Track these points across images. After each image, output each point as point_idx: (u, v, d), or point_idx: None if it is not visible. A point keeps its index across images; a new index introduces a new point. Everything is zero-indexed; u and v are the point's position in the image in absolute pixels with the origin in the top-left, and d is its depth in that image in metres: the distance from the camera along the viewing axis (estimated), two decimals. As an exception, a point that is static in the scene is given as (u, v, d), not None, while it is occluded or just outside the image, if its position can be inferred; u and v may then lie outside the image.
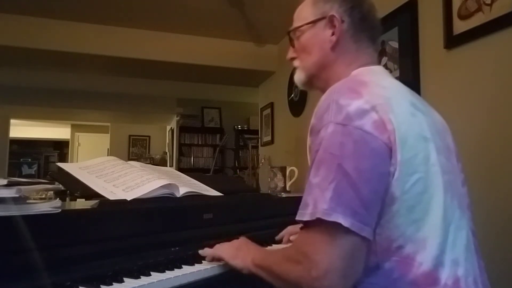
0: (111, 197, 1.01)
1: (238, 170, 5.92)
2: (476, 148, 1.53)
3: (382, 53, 2.11)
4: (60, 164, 1.19)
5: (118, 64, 3.72)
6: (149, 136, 7.89)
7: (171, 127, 7.06)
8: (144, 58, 3.47)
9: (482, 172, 1.50)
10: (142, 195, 1.04)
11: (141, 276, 0.82)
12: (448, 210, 0.75)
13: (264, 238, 1.23)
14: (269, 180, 2.46)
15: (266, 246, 1.18)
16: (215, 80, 4.45)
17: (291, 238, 1.25)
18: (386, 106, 0.74)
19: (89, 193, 1.06)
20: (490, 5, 1.50)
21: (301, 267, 0.70)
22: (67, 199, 1.15)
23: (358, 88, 0.76)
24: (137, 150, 7.73)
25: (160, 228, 1.05)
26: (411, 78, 1.88)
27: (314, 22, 0.92)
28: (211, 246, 1.01)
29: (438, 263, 0.71)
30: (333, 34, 0.90)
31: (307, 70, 0.96)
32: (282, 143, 3.72)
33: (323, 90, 0.92)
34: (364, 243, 0.70)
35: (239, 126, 6.40)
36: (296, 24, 0.97)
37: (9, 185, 0.75)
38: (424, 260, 0.71)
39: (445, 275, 0.71)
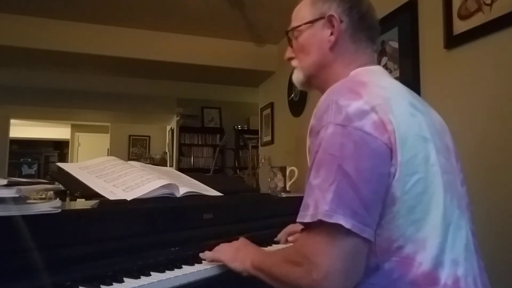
0: (111, 197, 1.01)
1: (238, 170, 5.92)
2: (476, 148, 1.53)
3: (382, 53, 2.11)
4: (60, 164, 1.19)
5: (118, 64, 3.72)
6: (149, 136, 7.89)
7: (171, 127, 7.06)
8: (144, 58, 3.47)
9: (482, 172, 1.50)
10: (142, 195, 1.04)
11: (141, 276, 0.82)
12: (448, 210, 0.75)
13: (264, 238, 1.23)
14: (269, 180, 2.46)
15: (266, 246, 1.18)
16: (215, 80, 4.45)
17: (289, 238, 1.25)
18: (386, 106, 0.74)
19: (89, 193, 1.06)
20: (490, 5, 1.50)
21: (301, 269, 0.70)
22: (67, 199, 1.15)
23: (358, 89, 0.76)
24: (137, 150, 7.74)
25: (160, 228, 1.05)
26: (411, 78, 1.89)
27: (312, 22, 0.92)
28: (211, 247, 1.01)
29: (437, 263, 0.71)
30: (331, 34, 0.89)
31: (306, 70, 0.95)
32: (282, 143, 3.72)
33: (321, 90, 0.92)
34: (365, 244, 0.69)
35: (239, 126, 6.40)
36: (294, 24, 0.96)
37: (9, 185, 0.75)
38: (424, 260, 0.71)
39: (444, 275, 0.71)
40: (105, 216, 0.94)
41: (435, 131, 0.82)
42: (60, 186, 1.12)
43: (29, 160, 9.19)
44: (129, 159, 5.89)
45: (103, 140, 7.92)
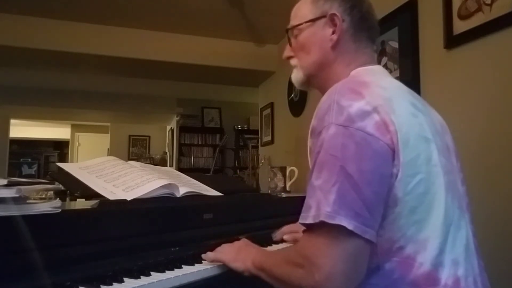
0: (111, 197, 1.01)
1: (238, 170, 5.92)
2: (476, 148, 1.53)
3: (382, 53, 2.11)
4: (60, 164, 1.19)
5: (118, 64, 3.73)
6: (149, 136, 7.89)
7: (171, 127, 7.07)
8: (144, 58, 3.47)
9: (482, 172, 1.50)
10: (142, 195, 1.04)
11: (141, 276, 0.82)
12: (449, 210, 0.75)
13: (264, 238, 1.23)
14: (269, 180, 2.46)
15: (266, 247, 1.18)
16: (215, 80, 4.45)
17: (285, 237, 1.25)
18: (388, 107, 0.73)
19: (89, 193, 1.06)
20: (490, 5, 1.50)
21: (303, 271, 0.70)
22: (67, 199, 1.15)
23: (359, 89, 0.76)
24: (137, 150, 7.74)
25: (160, 228, 1.05)
26: (411, 78, 1.89)
27: (313, 20, 0.91)
28: (211, 247, 1.01)
29: (438, 263, 0.71)
30: (333, 33, 0.89)
31: (306, 70, 0.94)
32: (282, 143, 3.72)
33: (321, 90, 0.92)
34: (367, 246, 0.69)
35: (239, 126, 6.39)
36: (294, 22, 0.95)
37: (9, 185, 0.75)
38: (424, 261, 0.71)
39: (445, 275, 0.71)
40: (105, 216, 0.94)
41: (435, 131, 0.82)
42: (60, 186, 1.12)
43: (29, 160, 9.19)
44: (129, 159, 5.89)
45: (103, 140, 7.92)
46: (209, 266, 0.95)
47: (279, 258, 0.82)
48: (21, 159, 9.07)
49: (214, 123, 6.59)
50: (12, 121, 6.97)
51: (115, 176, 1.13)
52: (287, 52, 0.98)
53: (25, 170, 9.09)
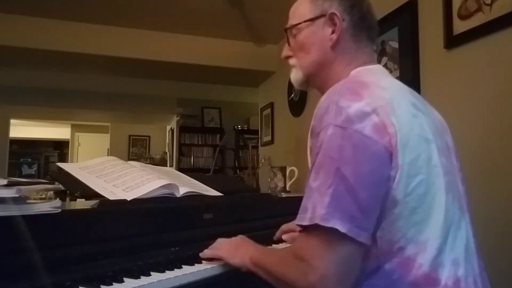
0: (111, 197, 1.01)
1: (238, 170, 5.92)
2: (476, 148, 1.53)
3: (382, 53, 2.11)
4: (60, 164, 1.19)
5: (118, 64, 3.73)
6: (149, 136, 7.89)
7: (171, 127, 7.07)
8: (144, 58, 3.47)
9: (482, 172, 1.50)
10: (142, 195, 1.04)
11: (141, 276, 0.82)
12: (449, 211, 0.75)
13: (264, 238, 1.23)
14: (269, 180, 2.46)
15: (266, 246, 1.18)
16: (215, 80, 4.45)
17: (283, 237, 1.25)
18: (388, 108, 0.73)
19: (89, 193, 1.06)
20: (490, 5, 1.50)
21: (298, 271, 0.71)
22: (67, 199, 1.15)
23: (359, 90, 0.75)
24: (137, 150, 7.73)
25: (160, 228, 1.05)
26: (411, 78, 1.88)
27: (313, 19, 0.90)
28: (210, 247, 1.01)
29: (438, 263, 0.71)
30: (333, 32, 0.88)
31: (305, 69, 0.93)
32: (282, 143, 3.72)
33: (321, 90, 0.92)
34: (361, 248, 0.70)
35: (239, 126, 6.39)
36: (292, 21, 0.94)
37: (9, 185, 0.75)
38: (424, 261, 0.71)
39: (445, 276, 0.71)
40: (105, 216, 0.94)
41: (436, 130, 0.81)
42: (60, 186, 1.12)
43: (29, 160, 9.19)
44: (129, 159, 5.89)
45: (103, 140, 7.92)
46: (209, 266, 0.95)
47: (276, 257, 0.82)
48: (21, 159, 9.07)
49: (214, 123, 6.59)
50: (12, 121, 6.97)
51: (115, 176, 1.13)
52: (286, 51, 0.97)
53: (25, 170, 9.09)
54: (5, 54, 3.36)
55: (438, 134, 0.82)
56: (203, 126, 6.52)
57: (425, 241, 0.71)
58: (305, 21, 0.91)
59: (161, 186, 1.09)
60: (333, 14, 0.87)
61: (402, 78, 1.94)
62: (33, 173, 9.09)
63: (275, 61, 3.75)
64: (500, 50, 1.48)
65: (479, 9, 1.55)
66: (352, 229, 0.67)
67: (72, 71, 4.44)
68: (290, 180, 2.38)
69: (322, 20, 0.89)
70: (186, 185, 1.23)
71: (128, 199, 1.01)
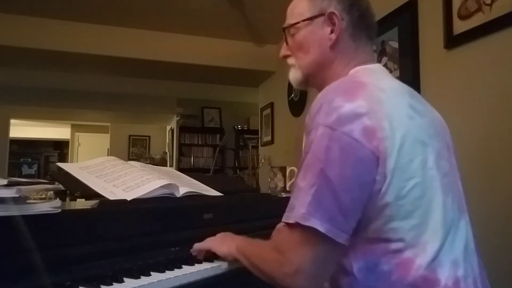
0: (111, 197, 1.01)
1: (238, 170, 5.92)
2: (476, 148, 1.53)
3: (382, 53, 2.11)
4: (60, 164, 1.19)
5: (118, 64, 3.73)
6: (149, 136, 7.89)
7: (171, 127, 7.07)
8: (144, 58, 3.47)
9: (482, 172, 1.50)
10: (142, 195, 1.04)
11: (141, 276, 0.82)
12: (448, 212, 0.75)
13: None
14: (269, 180, 2.45)
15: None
16: (215, 80, 4.45)
17: None
18: (382, 111, 0.72)
19: (89, 193, 1.06)
20: (490, 5, 1.50)
21: (275, 263, 0.74)
22: (67, 199, 1.15)
23: (355, 90, 0.75)
24: (137, 150, 7.73)
25: (160, 228, 1.05)
26: (411, 78, 1.89)
27: (311, 19, 0.89)
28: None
29: (437, 264, 0.71)
30: (332, 32, 0.87)
31: (304, 69, 0.92)
32: (282, 143, 3.72)
33: (319, 89, 0.90)
34: (339, 248, 0.71)
35: (239, 126, 6.39)
36: (291, 20, 0.92)
37: (9, 185, 0.75)
38: (423, 262, 0.71)
39: (444, 276, 0.71)
40: (105, 216, 0.94)
41: (434, 132, 0.81)
42: (60, 186, 1.12)
43: (29, 160, 9.18)
44: (129, 159, 5.89)
45: (103, 140, 7.92)
46: (209, 266, 0.95)
47: (259, 247, 0.86)
48: (21, 159, 9.07)
49: (214, 123, 6.59)
50: (12, 121, 6.96)
51: (115, 176, 1.13)
52: (284, 51, 0.96)
53: (25, 170, 9.08)
54: (5, 54, 3.36)
55: (437, 135, 0.81)
56: (203, 126, 6.52)
57: (425, 244, 0.71)
58: (303, 20, 0.89)
59: (161, 186, 1.09)
60: (332, 13, 0.86)
61: (402, 78, 1.94)
62: (33, 173, 9.09)
63: (275, 61, 3.75)
64: (500, 50, 1.48)
65: (479, 9, 1.55)
66: (330, 230, 0.68)
67: (72, 71, 4.44)
68: (290, 180, 2.37)
69: (321, 19, 0.88)
70: (186, 185, 1.23)
71: (128, 199, 1.01)
